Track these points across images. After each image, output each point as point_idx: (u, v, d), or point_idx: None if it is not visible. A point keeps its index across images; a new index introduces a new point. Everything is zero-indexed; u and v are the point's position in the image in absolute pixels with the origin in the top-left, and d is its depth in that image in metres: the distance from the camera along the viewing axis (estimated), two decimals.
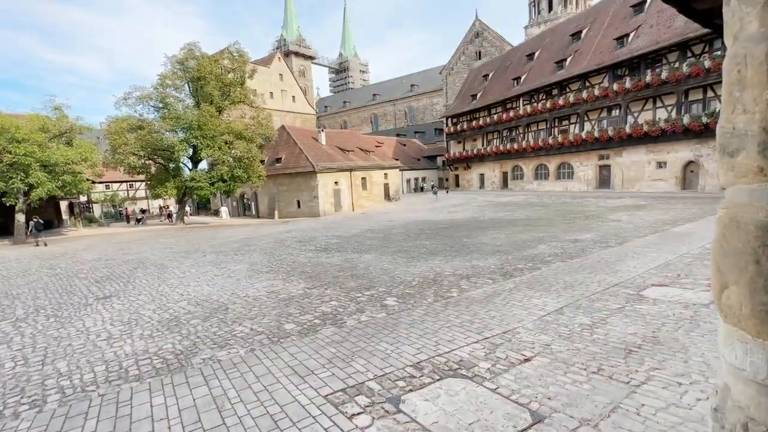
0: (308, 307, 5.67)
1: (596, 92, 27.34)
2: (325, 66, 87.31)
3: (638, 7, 27.04)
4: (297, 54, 72.45)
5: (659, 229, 11.61)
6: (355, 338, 4.25)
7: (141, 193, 36.55)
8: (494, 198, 29.82)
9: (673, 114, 23.74)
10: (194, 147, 23.43)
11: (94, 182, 23.41)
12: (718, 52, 21.30)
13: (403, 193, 40.77)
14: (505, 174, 37.99)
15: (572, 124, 30.58)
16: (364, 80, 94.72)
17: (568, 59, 30.76)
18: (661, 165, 24.93)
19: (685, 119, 22.35)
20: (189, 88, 24.44)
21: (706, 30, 21.52)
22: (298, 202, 28.70)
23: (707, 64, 21.21)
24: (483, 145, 39.89)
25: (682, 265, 7.02)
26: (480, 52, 53.95)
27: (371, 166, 32.55)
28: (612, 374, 3.17)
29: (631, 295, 5.43)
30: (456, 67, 56.55)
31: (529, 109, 33.14)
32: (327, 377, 3.44)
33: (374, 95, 74.84)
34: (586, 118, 29.03)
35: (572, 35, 32.13)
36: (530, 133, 34.37)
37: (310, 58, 76.72)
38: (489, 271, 7.40)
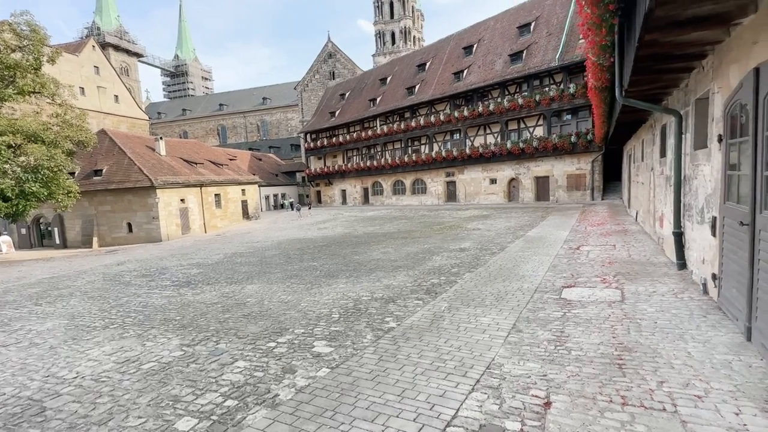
0: (203, 378, 3.80)
1: (441, 117, 30.95)
2: (157, 67, 75.24)
3: (468, 50, 32.05)
4: (118, 48, 60.33)
5: (517, 234, 13.24)
6: (310, 424, 2.83)
7: None
8: (359, 213, 30.14)
9: (499, 139, 28.67)
10: None
11: None
12: (526, 93, 26.81)
13: (262, 210, 37.56)
14: (366, 190, 39.22)
15: (423, 144, 33.81)
16: (208, 88, 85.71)
17: (417, 86, 34.09)
18: (493, 181, 29.70)
19: (508, 144, 27.24)
20: None
21: (519, 75, 27.01)
22: (130, 225, 22.91)
23: (520, 101, 26.42)
24: (344, 162, 40.42)
25: (563, 265, 7.83)
26: (333, 72, 55.34)
27: (226, 181, 28.79)
28: (641, 402, 2.79)
29: (556, 299, 5.54)
30: (311, 84, 56.48)
31: (385, 129, 35.21)
32: None
33: (221, 105, 68.29)
34: (434, 140, 32.49)
35: (418, 66, 35.87)
36: (387, 152, 36.49)
37: (136, 55, 64.95)
38: (409, 290, 6.73)
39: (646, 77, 5.99)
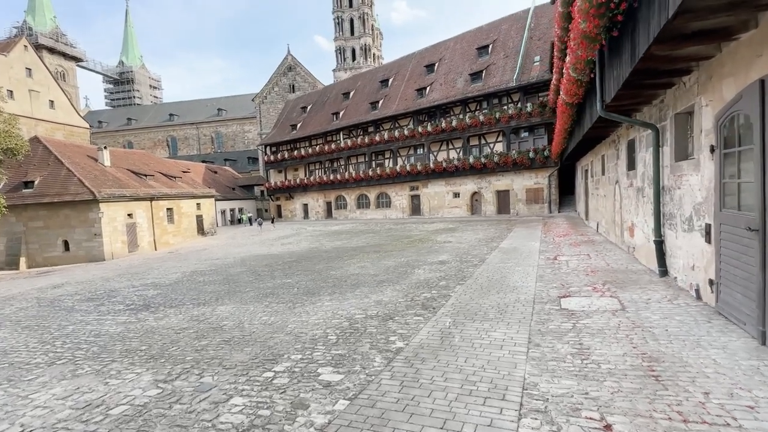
0: (195, 423, 3.15)
1: (405, 132, 31.32)
2: (98, 73, 70.11)
3: (430, 68, 32.98)
4: (53, 51, 55.54)
5: (491, 246, 13.38)
6: None
7: None
8: (323, 227, 29.40)
9: (461, 155, 29.46)
10: None
11: None
12: (486, 110, 27.90)
13: (218, 226, 35.49)
14: (329, 204, 38.50)
15: (387, 158, 33.94)
16: (156, 97, 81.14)
17: (380, 102, 34.38)
18: (456, 195, 30.33)
19: (471, 159, 28.05)
20: None
21: (479, 93, 28.11)
22: (66, 243, 20.52)
23: (482, 118, 27.41)
24: (306, 175, 39.52)
25: (549, 275, 7.88)
26: (294, 86, 54.59)
27: (180, 195, 26.89)
28: (701, 417, 2.65)
29: (558, 310, 5.45)
30: (270, 96, 55.23)
31: (349, 142, 34.99)
32: None
33: (171, 115, 64.76)
34: (399, 154, 32.74)
35: (381, 82, 36.28)
36: (351, 165, 36.20)
37: (75, 59, 60.17)
38: (403, 306, 6.37)
39: (629, 92, 6.23)
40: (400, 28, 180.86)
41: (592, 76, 7.18)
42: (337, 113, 37.51)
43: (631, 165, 9.44)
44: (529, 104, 25.39)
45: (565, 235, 14.84)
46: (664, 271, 6.72)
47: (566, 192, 26.96)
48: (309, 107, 42.39)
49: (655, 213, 6.74)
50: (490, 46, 29.43)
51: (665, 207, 6.58)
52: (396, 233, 21.15)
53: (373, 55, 62.94)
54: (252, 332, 5.59)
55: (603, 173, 13.43)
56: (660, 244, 6.71)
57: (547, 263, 9.26)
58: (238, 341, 5.22)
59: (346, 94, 38.98)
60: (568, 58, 7.48)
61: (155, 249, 23.97)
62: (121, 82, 75.27)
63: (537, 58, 25.97)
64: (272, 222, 33.45)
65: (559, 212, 25.46)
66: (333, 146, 36.25)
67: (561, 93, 9.73)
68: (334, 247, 17.00)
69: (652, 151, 6.73)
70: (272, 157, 41.81)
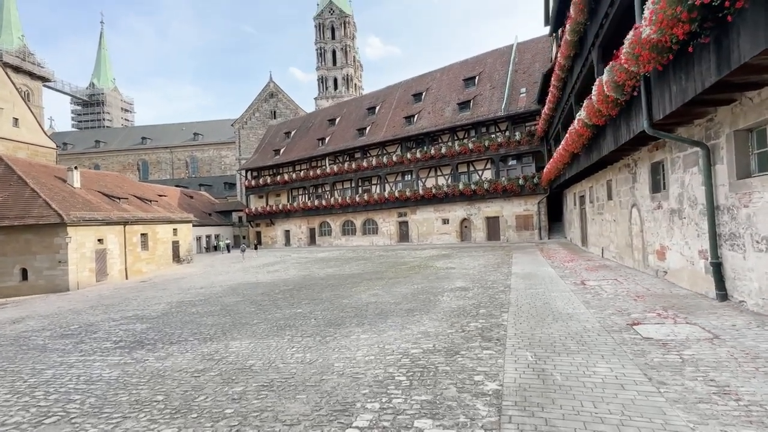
0: None
1: (394, 159, 31.22)
2: (66, 94, 67.20)
3: (417, 97, 33.54)
4: (19, 70, 52.93)
5: (502, 272, 12.87)
6: None
7: None
8: (308, 254, 28.16)
9: (450, 181, 29.53)
10: None
11: None
12: (475, 138, 28.36)
13: (193, 252, 33.36)
14: (312, 230, 37.32)
15: (374, 184, 33.57)
16: (128, 120, 78.48)
17: (368, 128, 34.39)
18: (445, 221, 30.10)
19: (461, 185, 28.10)
20: None
21: (468, 121, 28.63)
22: (25, 272, 18.32)
23: (471, 145, 27.76)
24: (289, 201, 38.39)
25: (595, 301, 7.36)
26: (275, 112, 54.30)
27: (156, 219, 25.11)
28: None
29: (642, 339, 4.87)
30: (250, 121, 54.54)
31: (335, 168, 34.47)
32: None
33: (144, 138, 62.46)
34: (386, 180, 32.45)
35: (368, 109, 36.49)
36: (337, 191, 35.53)
37: (42, 79, 57.48)
38: (460, 338, 5.60)
39: (682, 110, 6.03)
40: (375, 63, 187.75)
41: (635, 94, 7.03)
42: (322, 139, 37.15)
43: (656, 188, 9.34)
44: (517, 133, 25.98)
45: (571, 260, 14.60)
46: (723, 295, 6.35)
47: (553, 219, 27.31)
48: (293, 132, 41.88)
49: (710, 234, 6.45)
50: (477, 78, 30.36)
51: (722, 227, 6.30)
52: (388, 260, 20.37)
53: (355, 85, 64.02)
54: (293, 374, 4.63)
55: (610, 198, 13.45)
56: (718, 267, 6.38)
57: (579, 288, 8.79)
58: (283, 386, 4.25)
59: (332, 121, 38.86)
60: (605, 77, 7.35)
61: (126, 278, 21.93)
62: (90, 104, 72.38)
63: (523, 90, 26.90)
64: (255, 248, 31.82)
65: (549, 239, 25.60)
66: (318, 171, 35.59)
67: (582, 115, 9.65)
68: (328, 275, 16.00)
69: (703, 170, 6.52)
70: (253, 182, 40.51)
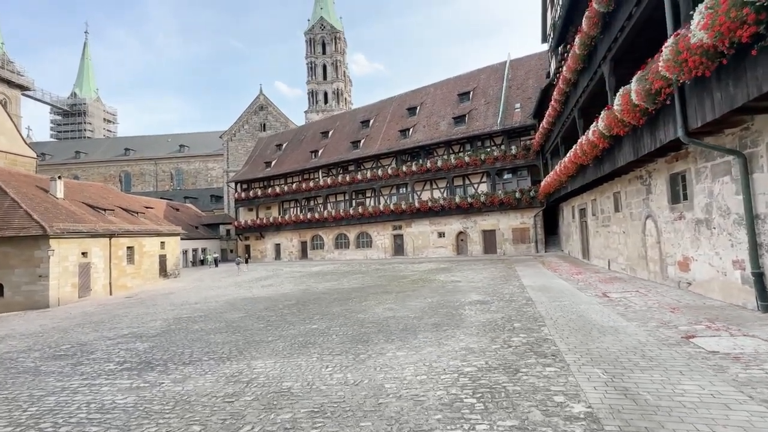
0: None
1: (389, 171, 31.06)
2: (46, 103, 65.20)
3: (412, 111, 33.71)
4: None
5: (513, 285, 12.61)
6: None
7: None
8: (301, 268, 27.44)
9: (446, 194, 29.47)
10: None
11: None
12: (470, 151, 28.52)
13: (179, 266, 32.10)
14: (304, 243, 36.55)
15: (368, 197, 33.24)
16: (110, 131, 76.56)
17: (362, 141, 34.27)
18: (441, 235, 29.90)
19: (457, 198, 28.06)
20: None
21: (463, 135, 28.83)
22: (0, 287, 17.08)
23: (467, 159, 27.88)
24: (280, 214, 37.62)
25: (631, 314, 7.13)
26: (265, 124, 53.81)
27: (144, 232, 24.06)
28: None
29: (709, 353, 4.61)
30: (239, 134, 53.84)
31: (329, 180, 34.06)
32: None
33: (127, 150, 60.87)
34: (381, 193, 32.19)
35: (362, 122, 36.45)
36: (330, 204, 35.03)
37: (21, 87, 55.69)
38: (511, 354, 5.22)
39: (720, 118, 5.96)
40: (360, 79, 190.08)
41: (667, 102, 6.97)
42: (315, 151, 36.80)
43: (675, 198, 9.32)
44: (513, 147, 26.24)
45: (578, 273, 14.48)
46: (766, 306, 6.20)
47: (548, 232, 27.44)
48: (284, 145, 41.42)
49: (750, 244, 6.33)
50: (471, 93, 30.77)
51: (763, 236, 6.20)
52: (387, 273, 19.92)
53: (345, 99, 64.30)
54: (342, 397, 4.15)
55: (617, 210, 13.48)
56: (759, 277, 6.25)
57: (605, 301, 8.57)
58: (337, 412, 3.77)
59: (325, 133, 38.64)
60: (634, 86, 7.30)
61: (110, 293, 20.75)
62: (71, 114, 70.32)
63: (518, 105, 27.34)
64: (246, 262, 30.87)
65: (545, 252, 25.65)
66: (311, 184, 35.09)
67: (601, 125, 9.62)
68: (328, 289, 15.45)
69: (741, 179, 6.45)
70: (243, 195, 39.64)
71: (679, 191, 9.17)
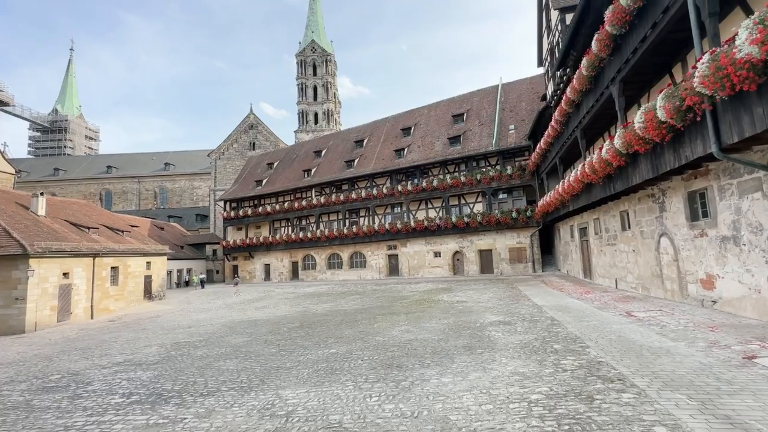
0: None
1: (384, 191, 30.87)
2: (25, 119, 63.29)
3: (406, 131, 33.96)
4: None
5: (524, 305, 12.31)
6: None
7: None
8: (293, 289, 26.58)
9: (441, 214, 29.38)
10: None
11: None
12: (465, 172, 28.70)
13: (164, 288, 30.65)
14: (295, 264, 35.62)
15: (363, 217, 32.85)
16: (92, 149, 74.64)
17: (356, 160, 34.17)
18: (437, 254, 29.59)
19: (454, 218, 27.97)
20: None
21: (459, 156, 29.07)
22: None
23: (463, 179, 28.00)
24: (270, 233, 36.72)
25: (671, 333, 6.89)
26: (254, 143, 53.36)
27: (129, 251, 22.92)
28: None
29: None
30: (228, 152, 53.13)
31: (322, 200, 33.60)
32: None
33: (110, 167, 59.25)
34: (375, 213, 31.86)
35: (356, 142, 36.47)
36: (323, 223, 34.44)
37: (0, 102, 53.83)
38: (571, 379, 4.83)
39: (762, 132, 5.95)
40: (345, 102, 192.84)
41: (697, 119, 6.98)
42: (308, 170, 36.44)
43: (694, 216, 9.32)
44: (508, 167, 26.53)
45: (586, 292, 14.32)
46: None
47: (543, 252, 27.51)
48: (276, 164, 40.96)
49: None
50: (465, 114, 31.28)
51: None
52: (385, 294, 19.39)
53: (335, 120, 64.74)
54: None
55: (626, 228, 13.50)
56: None
57: (633, 320, 8.33)
58: None
59: (318, 152, 38.44)
60: (661, 103, 7.33)
61: (91, 317, 19.46)
62: (52, 131, 68.34)
63: (512, 126, 27.86)
64: (235, 284, 29.74)
65: (543, 271, 25.60)
66: (304, 203, 34.52)
67: (618, 143, 9.65)
68: (327, 311, 14.84)
69: None
70: (232, 214, 38.67)
71: (697, 208, 9.17)
